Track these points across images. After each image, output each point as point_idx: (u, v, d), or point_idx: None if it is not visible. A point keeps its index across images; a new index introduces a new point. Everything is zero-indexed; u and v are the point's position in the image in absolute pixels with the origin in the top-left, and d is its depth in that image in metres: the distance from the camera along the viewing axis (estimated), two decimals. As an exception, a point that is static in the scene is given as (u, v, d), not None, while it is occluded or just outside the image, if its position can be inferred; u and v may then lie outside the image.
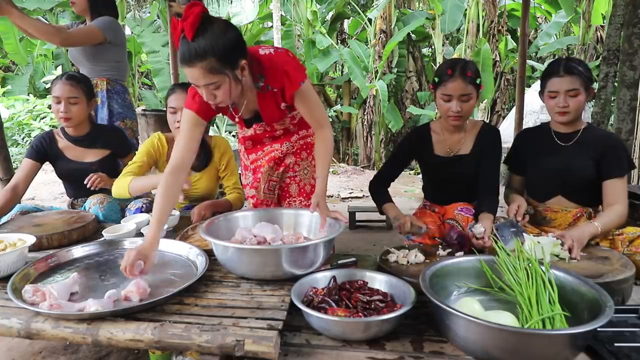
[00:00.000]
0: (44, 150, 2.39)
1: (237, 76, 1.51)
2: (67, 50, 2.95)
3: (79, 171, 2.37)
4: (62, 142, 2.41)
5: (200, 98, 1.58)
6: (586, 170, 1.92)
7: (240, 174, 2.30)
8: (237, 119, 1.87)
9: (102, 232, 1.86)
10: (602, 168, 1.89)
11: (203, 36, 1.39)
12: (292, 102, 1.72)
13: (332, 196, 5.21)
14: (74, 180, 2.47)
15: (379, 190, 2.21)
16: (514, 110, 5.39)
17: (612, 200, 1.87)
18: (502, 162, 2.10)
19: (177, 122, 2.15)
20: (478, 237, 1.74)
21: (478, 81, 1.96)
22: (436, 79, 2.00)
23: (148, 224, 1.91)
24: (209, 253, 1.57)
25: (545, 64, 10.44)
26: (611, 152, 1.89)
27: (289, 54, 1.71)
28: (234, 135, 10.39)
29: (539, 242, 1.62)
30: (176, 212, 2.08)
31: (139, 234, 1.89)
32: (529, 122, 6.06)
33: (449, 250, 1.77)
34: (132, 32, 8.84)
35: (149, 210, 2.28)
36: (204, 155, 2.34)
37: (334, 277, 1.39)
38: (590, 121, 4.00)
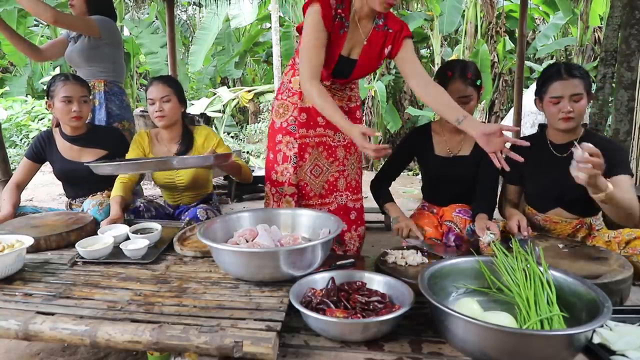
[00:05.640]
0: (42, 151, 2.42)
1: None
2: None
3: (76, 171, 2.39)
4: (60, 142, 2.41)
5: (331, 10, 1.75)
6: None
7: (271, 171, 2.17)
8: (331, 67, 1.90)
9: (76, 246, 1.67)
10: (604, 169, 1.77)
11: None
12: (399, 47, 1.88)
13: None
14: (71, 181, 2.47)
15: (381, 188, 2.21)
16: (512, 111, 5.40)
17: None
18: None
19: (157, 111, 2.23)
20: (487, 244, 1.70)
21: (478, 82, 1.97)
22: (436, 81, 2.01)
23: (128, 239, 1.77)
24: (209, 254, 1.57)
25: (544, 65, 10.48)
26: (613, 155, 1.75)
27: None
28: (232, 137, 10.37)
29: None
30: (158, 227, 1.86)
31: (117, 248, 1.70)
32: (527, 123, 6.07)
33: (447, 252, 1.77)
34: (130, 33, 8.84)
35: (147, 209, 2.27)
36: (185, 141, 2.34)
37: (332, 278, 1.39)
38: (588, 122, 4.01)
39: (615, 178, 1.69)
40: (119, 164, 1.99)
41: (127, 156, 2.35)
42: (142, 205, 2.27)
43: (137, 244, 1.68)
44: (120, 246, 1.67)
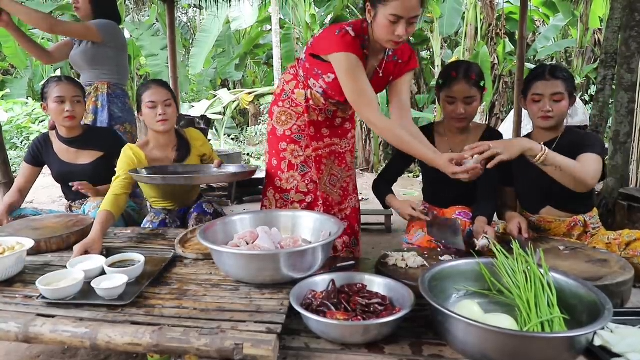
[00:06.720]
0: (40, 154, 2.44)
1: None
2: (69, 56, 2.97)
3: (73, 173, 2.40)
4: (57, 145, 2.43)
5: (362, 52, 1.78)
6: None
7: (276, 178, 2.14)
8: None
9: (37, 283, 1.34)
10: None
11: None
12: (398, 77, 1.96)
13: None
14: (69, 183, 2.48)
15: (382, 187, 2.22)
16: (512, 113, 5.40)
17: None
18: None
19: (159, 114, 2.15)
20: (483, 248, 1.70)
21: (482, 84, 1.99)
22: (440, 81, 2.03)
23: (103, 274, 1.47)
24: (210, 256, 1.57)
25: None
26: (584, 140, 1.84)
27: None
28: (233, 139, 10.38)
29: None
30: (140, 259, 1.53)
31: (88, 285, 1.36)
32: (527, 125, 6.06)
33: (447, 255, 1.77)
34: (131, 36, 8.85)
35: (174, 221, 2.26)
36: (184, 146, 2.33)
37: (332, 281, 1.39)
38: (589, 124, 4.01)
39: (581, 155, 1.79)
40: (163, 176, 2.03)
41: (120, 171, 2.08)
42: (167, 218, 2.24)
43: (113, 281, 1.37)
44: (92, 284, 1.35)
